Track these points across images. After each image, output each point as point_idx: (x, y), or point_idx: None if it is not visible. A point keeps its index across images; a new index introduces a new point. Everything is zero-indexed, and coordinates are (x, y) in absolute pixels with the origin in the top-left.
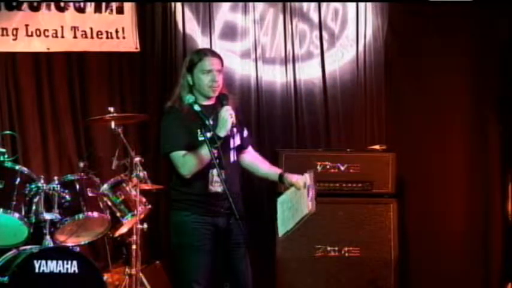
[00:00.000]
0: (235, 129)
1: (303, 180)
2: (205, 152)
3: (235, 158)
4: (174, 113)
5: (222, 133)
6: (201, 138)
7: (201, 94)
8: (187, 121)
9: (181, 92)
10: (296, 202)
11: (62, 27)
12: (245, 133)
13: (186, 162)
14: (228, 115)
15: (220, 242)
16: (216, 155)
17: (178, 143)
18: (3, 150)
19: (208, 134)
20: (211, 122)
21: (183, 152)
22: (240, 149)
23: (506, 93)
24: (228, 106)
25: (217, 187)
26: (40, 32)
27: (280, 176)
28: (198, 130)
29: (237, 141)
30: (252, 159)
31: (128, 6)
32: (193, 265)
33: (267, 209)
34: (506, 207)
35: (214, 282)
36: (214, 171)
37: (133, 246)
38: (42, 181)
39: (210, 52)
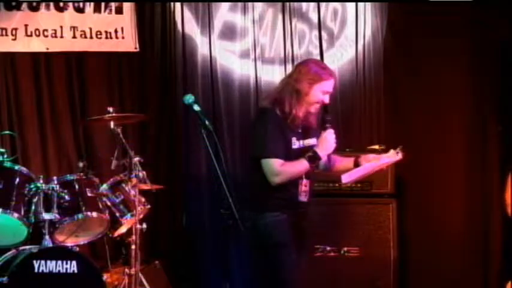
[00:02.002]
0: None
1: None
2: (303, 167)
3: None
4: (274, 117)
5: (323, 154)
6: (294, 147)
7: (304, 105)
8: (285, 126)
9: (294, 96)
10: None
11: (61, 27)
12: None
13: (282, 173)
14: (332, 139)
15: (299, 244)
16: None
17: (277, 151)
18: (3, 150)
19: (301, 144)
20: (300, 131)
21: (281, 161)
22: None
23: (506, 93)
24: (331, 129)
25: (304, 197)
26: (39, 32)
27: (356, 162)
28: (293, 138)
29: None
30: (332, 160)
31: (127, 6)
32: (290, 263)
33: None
34: (504, 203)
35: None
36: (303, 182)
37: (133, 246)
38: (41, 181)
39: (334, 73)
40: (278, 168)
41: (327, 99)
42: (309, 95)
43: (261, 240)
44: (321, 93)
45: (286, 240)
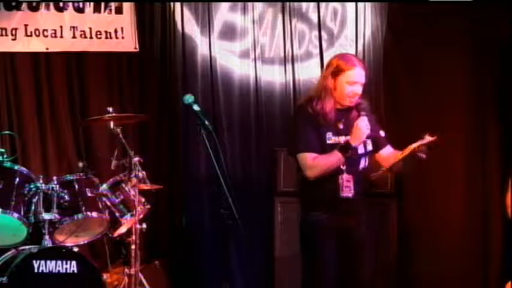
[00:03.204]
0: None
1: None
2: (336, 159)
3: (366, 164)
4: (306, 113)
5: (356, 143)
6: (329, 142)
7: (339, 101)
8: (318, 123)
9: (322, 93)
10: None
11: (61, 27)
12: (382, 133)
13: (314, 166)
14: (365, 126)
15: (345, 243)
16: (348, 161)
17: (311, 145)
18: (2, 150)
19: (342, 140)
20: (341, 127)
21: (314, 155)
22: (375, 151)
23: (506, 93)
24: (365, 117)
25: (348, 192)
26: (39, 32)
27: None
28: (328, 133)
29: (368, 147)
30: (386, 156)
31: (126, 6)
32: (322, 265)
33: (266, 209)
34: (505, 204)
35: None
36: (344, 176)
37: (133, 246)
38: (41, 181)
39: (360, 63)
40: (310, 162)
41: (357, 89)
42: (337, 89)
43: (301, 238)
44: (347, 84)
45: (322, 241)
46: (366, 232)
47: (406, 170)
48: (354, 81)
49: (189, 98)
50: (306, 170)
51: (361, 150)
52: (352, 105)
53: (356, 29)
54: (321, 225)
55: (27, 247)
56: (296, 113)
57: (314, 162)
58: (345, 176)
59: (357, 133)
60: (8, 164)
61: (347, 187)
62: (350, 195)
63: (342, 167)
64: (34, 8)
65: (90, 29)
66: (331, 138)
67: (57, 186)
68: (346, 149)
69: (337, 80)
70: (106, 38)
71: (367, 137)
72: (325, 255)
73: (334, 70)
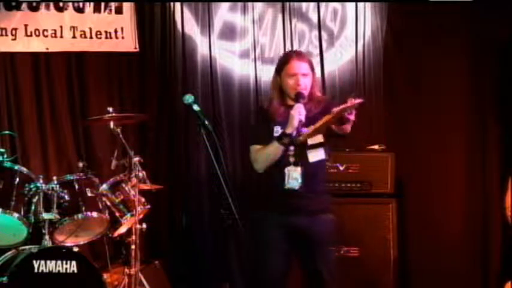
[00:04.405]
0: (306, 129)
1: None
2: (273, 147)
3: (320, 158)
4: (260, 112)
5: (288, 130)
6: (276, 135)
7: (288, 96)
8: (269, 119)
9: (272, 91)
10: None
11: (61, 27)
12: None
13: (257, 158)
14: (296, 113)
15: (299, 242)
16: (291, 151)
17: (258, 139)
18: (2, 150)
19: (281, 130)
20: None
21: (257, 147)
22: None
23: (505, 93)
24: (298, 104)
25: (292, 184)
26: (39, 32)
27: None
28: (276, 127)
29: (316, 139)
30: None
31: (126, 6)
32: (264, 264)
33: None
34: (505, 204)
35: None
36: (290, 168)
37: (133, 246)
38: (41, 181)
39: (297, 55)
40: (254, 154)
41: (298, 80)
42: (283, 85)
43: (250, 235)
44: (288, 77)
45: (265, 239)
46: (323, 232)
47: (338, 131)
48: (293, 73)
49: (189, 98)
50: (253, 164)
51: (311, 142)
52: (304, 100)
53: (356, 29)
54: (268, 222)
55: (27, 247)
56: (255, 112)
57: (256, 155)
58: (291, 167)
59: (291, 121)
60: (8, 164)
61: (293, 179)
62: (296, 187)
63: (290, 159)
64: (34, 8)
65: (90, 29)
66: (278, 132)
67: (57, 186)
68: (281, 137)
69: (281, 76)
70: (106, 38)
71: (303, 125)
72: (269, 253)
73: (276, 68)
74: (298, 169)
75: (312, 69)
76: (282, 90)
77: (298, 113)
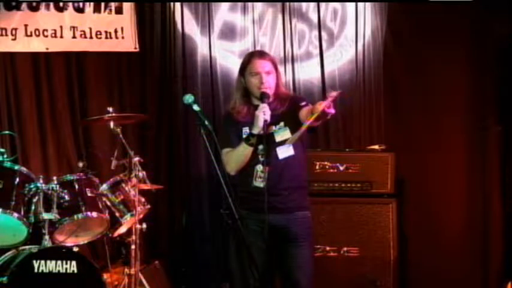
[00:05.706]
0: (276, 127)
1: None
2: (242, 148)
3: (290, 153)
4: (227, 114)
5: (254, 130)
6: (244, 136)
7: (253, 96)
8: (236, 121)
9: (236, 93)
10: None
11: (61, 27)
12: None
13: (227, 160)
14: (260, 113)
15: (276, 240)
16: (260, 150)
17: (225, 142)
18: (2, 150)
19: (248, 131)
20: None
21: (227, 150)
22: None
23: (506, 93)
24: (263, 104)
25: (260, 182)
26: (39, 32)
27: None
28: (244, 128)
29: (284, 136)
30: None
31: (126, 6)
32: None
33: None
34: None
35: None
36: (258, 167)
37: (133, 246)
38: (41, 181)
39: (259, 54)
40: (224, 157)
41: (261, 79)
42: (247, 85)
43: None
44: (251, 77)
45: (247, 238)
46: (298, 230)
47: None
48: (256, 72)
49: (189, 98)
50: (225, 167)
51: (279, 139)
52: (272, 100)
53: (356, 29)
54: (248, 221)
55: (27, 247)
56: (223, 116)
57: (227, 157)
58: (259, 166)
59: (255, 121)
60: (8, 164)
61: (260, 177)
62: (261, 185)
63: (260, 158)
64: (34, 8)
65: (90, 29)
66: (246, 133)
67: (57, 186)
68: (248, 138)
69: (245, 76)
70: (106, 38)
71: (269, 124)
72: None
73: (239, 69)
74: (264, 167)
75: (275, 67)
76: (247, 91)
77: (263, 113)
